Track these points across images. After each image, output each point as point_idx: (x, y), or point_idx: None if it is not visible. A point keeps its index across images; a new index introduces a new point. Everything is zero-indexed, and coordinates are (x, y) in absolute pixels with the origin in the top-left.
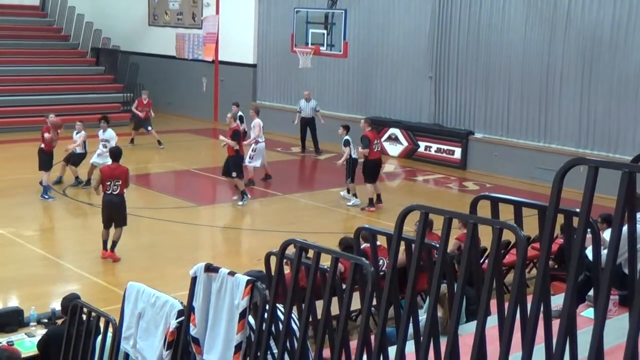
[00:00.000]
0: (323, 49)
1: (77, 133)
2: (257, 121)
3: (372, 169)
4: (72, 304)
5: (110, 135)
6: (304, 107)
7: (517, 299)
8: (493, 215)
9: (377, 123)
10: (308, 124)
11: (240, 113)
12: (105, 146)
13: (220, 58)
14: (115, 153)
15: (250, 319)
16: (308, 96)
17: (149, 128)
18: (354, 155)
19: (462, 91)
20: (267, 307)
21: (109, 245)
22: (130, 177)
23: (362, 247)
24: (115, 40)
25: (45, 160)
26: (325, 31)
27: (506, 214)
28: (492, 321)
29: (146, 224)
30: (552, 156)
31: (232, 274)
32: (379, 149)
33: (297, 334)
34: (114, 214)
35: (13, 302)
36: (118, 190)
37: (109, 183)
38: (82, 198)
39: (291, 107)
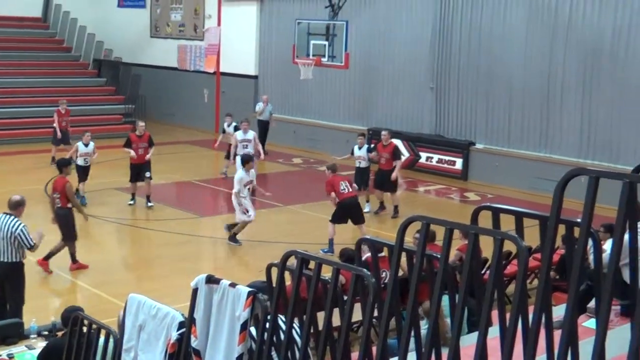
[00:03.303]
0: (324, 60)
1: (86, 145)
2: (255, 133)
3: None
4: (72, 315)
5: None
6: (263, 110)
7: (518, 310)
8: (494, 226)
9: (379, 134)
10: (265, 127)
11: (235, 123)
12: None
13: (221, 69)
14: (59, 164)
15: (252, 331)
16: (266, 100)
17: (61, 141)
18: (364, 165)
19: (463, 102)
20: (268, 319)
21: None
22: (70, 191)
23: (364, 257)
24: (117, 51)
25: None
26: (326, 42)
27: (507, 224)
28: (494, 332)
29: (147, 236)
30: (553, 166)
31: (233, 285)
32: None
33: (299, 344)
34: (59, 226)
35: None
36: (60, 203)
37: (55, 195)
38: (84, 210)
39: (293, 119)
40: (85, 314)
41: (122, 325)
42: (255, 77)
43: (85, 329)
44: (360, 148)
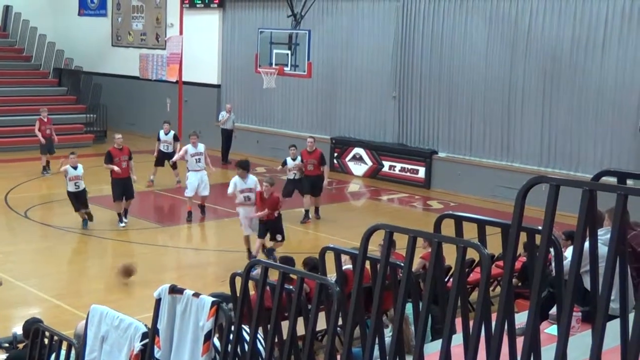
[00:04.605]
0: (287, 69)
1: (74, 168)
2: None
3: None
4: (33, 327)
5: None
6: (227, 119)
7: (481, 317)
8: (457, 234)
9: (342, 143)
10: (228, 136)
11: (173, 131)
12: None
13: (184, 78)
14: None
15: (216, 341)
16: (229, 109)
17: (47, 150)
18: (299, 176)
19: (426, 111)
20: (232, 328)
21: None
22: None
23: (344, 268)
24: (78, 60)
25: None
26: (289, 51)
27: (470, 232)
28: (458, 339)
29: (109, 246)
30: (514, 175)
31: (196, 295)
32: None
33: (263, 354)
34: None
35: None
36: None
37: None
38: (46, 220)
39: (256, 128)
40: (45, 326)
41: (84, 337)
42: (218, 86)
43: (46, 341)
44: (294, 159)
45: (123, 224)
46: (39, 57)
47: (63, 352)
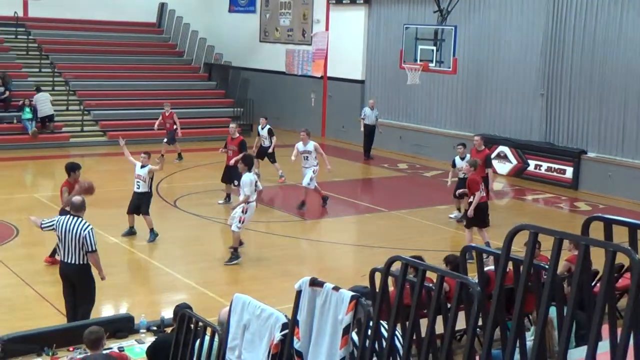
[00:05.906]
0: (432, 65)
1: (142, 167)
2: (315, 144)
3: None
4: (180, 313)
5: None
6: (369, 114)
7: (630, 325)
8: (606, 238)
9: (486, 140)
10: (371, 131)
11: (268, 126)
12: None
13: (329, 74)
14: (67, 168)
15: (354, 335)
16: (372, 105)
17: (166, 141)
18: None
19: (575, 109)
20: (370, 324)
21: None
22: (62, 194)
23: (486, 269)
24: (227, 56)
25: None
26: (434, 47)
27: (620, 236)
28: (603, 347)
29: (253, 237)
30: None
31: (336, 289)
32: None
33: (401, 352)
34: None
35: (124, 309)
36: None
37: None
38: (193, 210)
39: (399, 124)
40: (192, 312)
41: (227, 324)
42: (362, 81)
43: (192, 327)
44: (462, 158)
45: (221, 202)
46: (191, 52)
47: (207, 338)
